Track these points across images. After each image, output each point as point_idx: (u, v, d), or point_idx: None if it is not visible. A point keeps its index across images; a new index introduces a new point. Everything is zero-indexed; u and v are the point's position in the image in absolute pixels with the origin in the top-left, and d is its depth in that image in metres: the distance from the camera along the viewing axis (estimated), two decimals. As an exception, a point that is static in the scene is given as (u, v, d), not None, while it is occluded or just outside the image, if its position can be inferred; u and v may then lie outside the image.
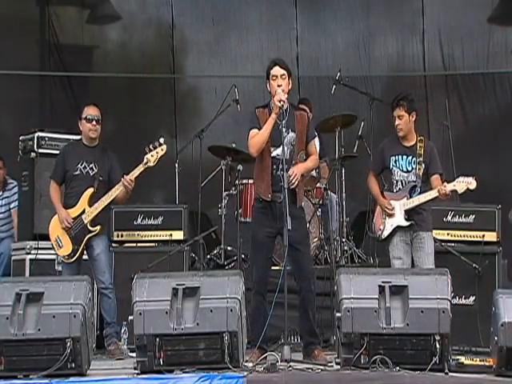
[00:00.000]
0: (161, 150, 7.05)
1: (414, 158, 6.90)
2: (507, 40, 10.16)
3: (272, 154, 6.45)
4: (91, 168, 7.16)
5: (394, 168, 6.94)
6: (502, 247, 7.56)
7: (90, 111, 7.26)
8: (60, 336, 5.69)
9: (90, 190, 7.09)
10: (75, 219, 7.06)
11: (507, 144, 9.81)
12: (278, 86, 6.43)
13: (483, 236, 7.53)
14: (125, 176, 7.03)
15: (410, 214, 6.89)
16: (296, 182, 6.36)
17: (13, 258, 8.04)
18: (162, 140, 7.09)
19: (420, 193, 6.89)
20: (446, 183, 6.81)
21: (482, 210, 7.62)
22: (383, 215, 6.98)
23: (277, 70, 6.49)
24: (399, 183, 6.95)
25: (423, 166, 6.89)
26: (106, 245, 7.20)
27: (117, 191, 7.06)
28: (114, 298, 7.08)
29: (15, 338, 5.68)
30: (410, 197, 6.90)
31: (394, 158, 6.94)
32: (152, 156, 7.03)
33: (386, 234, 6.95)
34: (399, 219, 6.91)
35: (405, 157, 6.93)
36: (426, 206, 6.92)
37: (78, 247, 7.06)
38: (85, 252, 7.14)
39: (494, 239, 7.56)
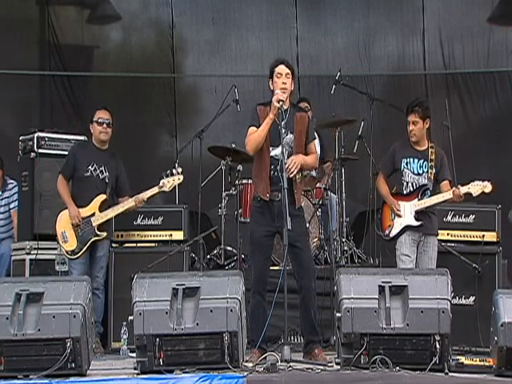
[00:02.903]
0: (177, 179, 7.30)
1: (426, 162, 7.01)
2: (507, 39, 10.18)
3: (271, 154, 6.45)
4: (101, 171, 7.37)
5: (406, 170, 7.04)
6: (501, 247, 7.58)
7: (102, 114, 7.47)
8: (60, 336, 5.68)
9: (103, 197, 7.32)
10: (84, 219, 7.27)
11: (507, 143, 9.82)
12: (283, 83, 6.42)
13: (483, 236, 7.56)
14: (139, 195, 7.27)
15: (419, 215, 6.97)
16: (295, 170, 6.34)
17: (13, 258, 8.03)
18: (180, 169, 7.32)
19: (430, 196, 6.97)
20: (459, 185, 6.91)
21: (482, 210, 7.65)
22: (392, 215, 7.04)
23: (282, 69, 6.49)
24: (409, 185, 7.05)
25: (434, 170, 7.01)
26: (108, 249, 7.45)
27: (128, 205, 7.31)
28: (104, 298, 7.33)
29: (15, 338, 5.67)
30: (421, 198, 6.97)
31: (405, 160, 7.04)
32: (168, 182, 7.27)
33: (394, 233, 7.03)
34: (409, 219, 6.99)
35: (416, 160, 7.04)
36: (433, 209, 7.01)
37: (82, 247, 7.26)
38: None
39: (494, 239, 7.58)
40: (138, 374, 5.75)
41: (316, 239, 8.15)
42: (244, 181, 8.23)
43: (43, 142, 8.04)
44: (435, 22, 10.32)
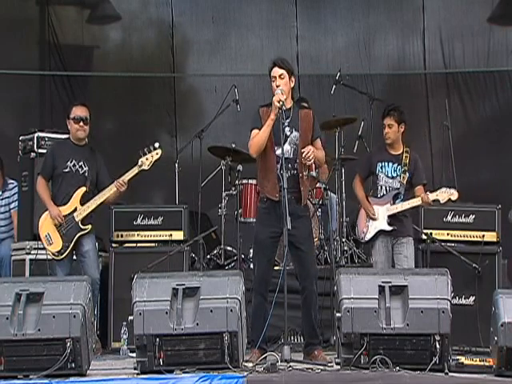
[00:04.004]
0: (155, 154, 7.17)
1: (400, 166, 7.25)
2: (507, 39, 10.17)
3: (276, 153, 6.44)
4: (80, 166, 7.25)
5: (380, 173, 7.29)
6: (501, 247, 7.59)
7: (78, 112, 7.33)
8: (60, 336, 5.69)
9: (83, 189, 7.19)
10: (66, 217, 7.16)
11: (507, 143, 9.82)
12: (277, 86, 6.44)
13: (483, 236, 7.58)
14: (119, 179, 7.13)
15: (392, 219, 7.19)
16: (312, 158, 6.35)
17: (13, 258, 8.02)
18: (156, 144, 7.20)
19: (403, 200, 7.22)
20: (428, 192, 7.19)
21: (482, 210, 7.67)
22: (367, 219, 7.27)
23: (275, 71, 6.50)
24: (383, 188, 7.29)
25: (407, 174, 7.25)
26: (94, 243, 7.29)
27: (109, 192, 7.17)
28: (98, 294, 7.22)
29: (15, 338, 5.68)
30: (394, 203, 7.21)
31: (380, 163, 7.29)
32: (147, 159, 7.15)
33: (368, 236, 7.28)
34: (382, 224, 7.22)
35: (391, 163, 7.28)
36: (406, 212, 7.24)
37: (68, 244, 7.15)
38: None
39: (494, 239, 7.60)
40: (138, 374, 5.76)
41: (316, 239, 8.14)
42: (244, 181, 8.23)
43: (43, 142, 8.01)
44: (435, 21, 10.32)
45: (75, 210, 7.17)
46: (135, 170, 7.16)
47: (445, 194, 7.16)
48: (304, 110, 6.67)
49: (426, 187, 7.29)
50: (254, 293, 6.46)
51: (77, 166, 7.24)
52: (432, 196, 7.16)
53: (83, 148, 7.34)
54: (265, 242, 6.49)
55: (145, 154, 7.15)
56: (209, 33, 10.44)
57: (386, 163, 7.27)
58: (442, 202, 7.20)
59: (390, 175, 7.26)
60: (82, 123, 7.29)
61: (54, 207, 7.17)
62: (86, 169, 7.25)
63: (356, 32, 10.38)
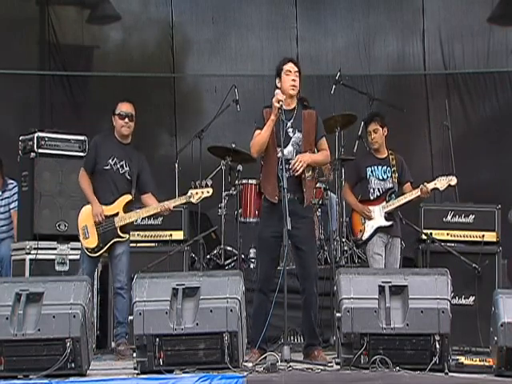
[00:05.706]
0: (206, 192, 7.09)
1: (389, 168, 7.41)
2: (507, 39, 10.18)
3: (278, 155, 6.43)
4: (121, 166, 7.07)
5: (371, 177, 7.43)
6: (501, 247, 7.60)
7: (124, 108, 7.20)
8: (60, 336, 5.68)
9: (129, 197, 7.04)
10: (107, 218, 6.99)
11: (507, 143, 9.82)
12: (293, 80, 6.44)
13: (483, 236, 7.60)
14: (165, 203, 7.02)
15: (388, 215, 7.31)
16: (300, 169, 6.36)
17: (13, 258, 8.02)
18: (209, 182, 7.16)
19: (397, 197, 7.35)
20: (426, 182, 7.29)
21: (482, 210, 7.69)
22: (362, 220, 7.38)
23: (291, 66, 6.51)
24: (376, 191, 7.42)
25: (397, 174, 7.41)
26: (128, 247, 7.14)
27: (153, 210, 7.06)
28: (128, 298, 6.95)
29: (15, 338, 5.67)
30: (388, 200, 7.33)
31: (370, 168, 7.44)
32: (197, 193, 7.06)
33: (366, 235, 7.36)
34: (380, 221, 7.32)
35: (380, 167, 7.44)
36: (397, 213, 7.37)
37: (102, 246, 7.01)
38: None
39: (494, 239, 7.62)
40: (138, 374, 5.75)
41: (316, 239, 8.14)
42: (244, 181, 8.24)
43: (43, 142, 7.99)
44: (435, 21, 10.33)
45: (117, 214, 7.00)
46: (182, 200, 7.08)
47: (443, 182, 7.28)
48: (308, 110, 6.65)
49: (412, 184, 7.42)
50: (256, 291, 6.47)
51: (118, 165, 7.04)
52: (430, 185, 7.26)
53: (127, 147, 7.13)
54: (267, 241, 6.49)
55: (196, 188, 7.05)
56: (209, 33, 10.46)
57: (376, 167, 7.42)
58: (441, 189, 7.31)
59: (380, 177, 7.41)
60: (127, 119, 7.12)
61: (98, 205, 6.96)
62: (126, 169, 7.05)
63: (356, 33, 10.40)
